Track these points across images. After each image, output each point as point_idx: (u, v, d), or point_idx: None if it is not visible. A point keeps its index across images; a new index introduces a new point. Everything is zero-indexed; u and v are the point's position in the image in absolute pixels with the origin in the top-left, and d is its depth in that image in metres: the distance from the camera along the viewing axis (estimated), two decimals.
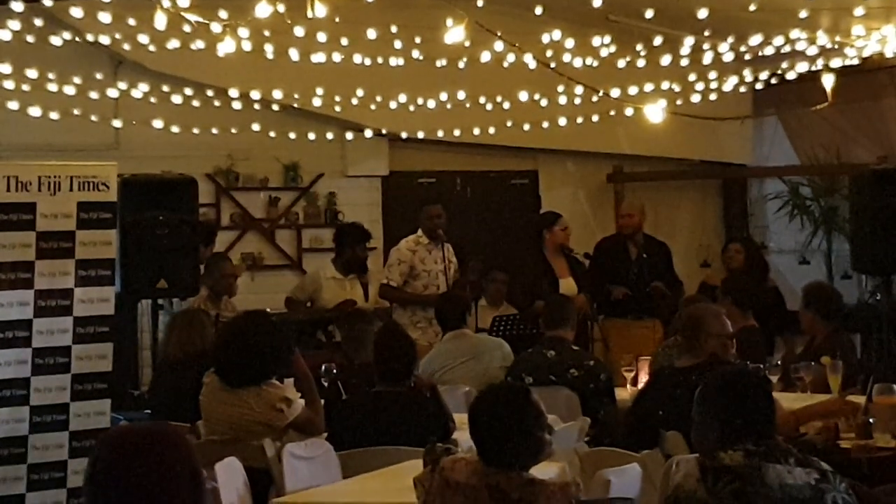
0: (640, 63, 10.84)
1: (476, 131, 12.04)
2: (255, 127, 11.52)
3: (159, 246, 9.93)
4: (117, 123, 11.40)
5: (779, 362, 8.64)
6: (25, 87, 10.35)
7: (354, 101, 11.39)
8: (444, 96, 11.36)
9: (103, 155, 11.01)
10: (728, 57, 10.76)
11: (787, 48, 10.55)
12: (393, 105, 11.40)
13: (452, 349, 9.16)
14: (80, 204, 9.87)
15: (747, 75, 11.36)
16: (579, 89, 11.45)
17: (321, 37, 9.86)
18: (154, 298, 10.34)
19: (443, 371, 8.99)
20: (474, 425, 4.91)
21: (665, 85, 11.20)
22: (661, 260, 11.51)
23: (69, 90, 10.53)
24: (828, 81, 10.64)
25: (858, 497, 4.42)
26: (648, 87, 11.11)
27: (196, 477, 3.04)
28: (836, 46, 10.57)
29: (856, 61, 10.83)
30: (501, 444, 4.83)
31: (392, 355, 7.21)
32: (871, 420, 6.86)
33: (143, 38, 9.93)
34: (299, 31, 9.53)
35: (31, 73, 10.24)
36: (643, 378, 9.01)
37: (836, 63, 10.76)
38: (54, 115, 10.57)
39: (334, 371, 8.01)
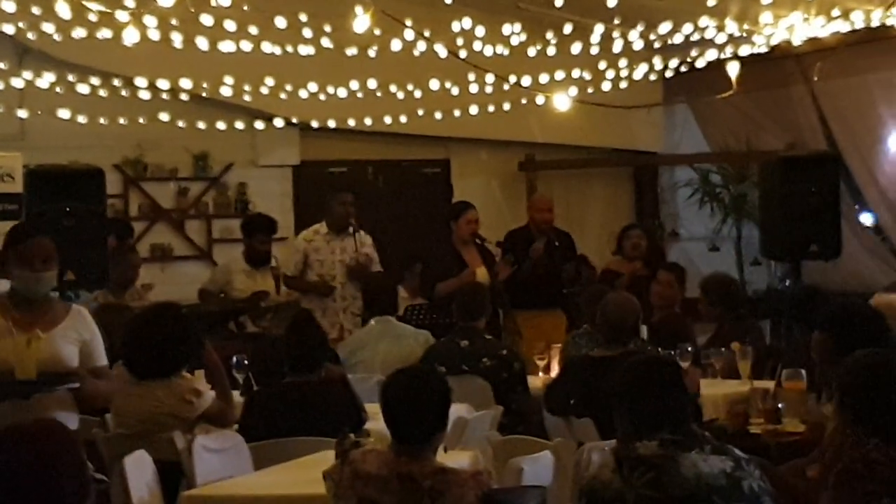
0: (551, 51, 10.86)
1: (387, 120, 12.02)
2: (164, 116, 11.41)
3: (66, 238, 9.80)
4: (22, 114, 11.26)
5: (689, 348, 8.70)
6: None
7: (264, 90, 11.32)
8: (354, 85, 11.31)
9: (8, 146, 10.86)
10: (638, 45, 10.81)
11: (697, 36, 10.61)
12: (303, 94, 11.34)
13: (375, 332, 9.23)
14: None
15: (657, 63, 11.42)
16: (490, 78, 11.45)
17: (229, 25, 9.78)
18: (61, 290, 10.21)
19: (361, 349, 9.05)
20: (386, 405, 4.92)
21: (576, 73, 11.23)
22: (567, 251, 11.49)
23: None
24: (732, 69, 10.72)
25: (766, 474, 4.45)
26: (559, 75, 11.14)
27: (82, 473, 3.01)
28: (745, 34, 10.65)
29: (764, 49, 10.91)
30: (414, 420, 4.84)
31: (303, 344, 7.20)
32: (780, 405, 6.92)
33: (48, 27, 9.80)
34: (207, 20, 9.45)
35: None
36: (555, 366, 9.05)
37: (744, 51, 10.84)
38: None
39: (245, 362, 7.99)
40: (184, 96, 11.35)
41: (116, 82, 11.16)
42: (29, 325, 6.13)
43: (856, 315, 5.74)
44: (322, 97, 11.38)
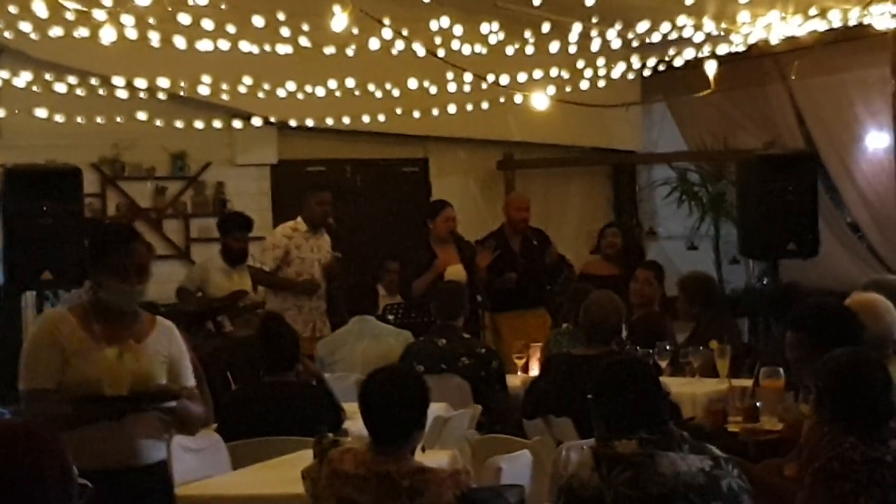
0: (529, 50, 10.85)
1: (366, 119, 11.99)
2: (141, 115, 11.36)
3: (43, 237, 9.79)
4: None
5: (668, 347, 8.71)
6: None
7: (242, 89, 11.27)
8: (333, 84, 11.28)
9: None
10: (616, 44, 10.81)
11: (674, 35, 10.62)
12: (281, 93, 11.31)
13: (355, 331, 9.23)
14: None
15: (635, 62, 11.42)
16: (468, 76, 11.44)
17: (207, 24, 9.75)
18: (38, 290, 10.19)
19: (341, 347, 9.06)
20: (364, 405, 4.92)
21: (554, 72, 11.23)
22: (543, 246, 11.49)
23: None
24: (710, 68, 10.73)
25: (744, 473, 4.46)
26: (537, 74, 11.14)
27: (66, 475, 2.99)
28: (722, 33, 10.67)
29: (741, 48, 10.93)
30: (392, 420, 4.84)
31: (277, 344, 7.19)
32: (758, 403, 6.94)
33: (24, 26, 9.76)
34: (185, 19, 9.42)
35: None
36: (534, 365, 9.05)
37: (722, 50, 10.85)
38: None
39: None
40: (161, 95, 11.31)
41: (94, 81, 11.10)
42: (114, 339, 5.30)
43: (829, 314, 5.72)
44: (300, 96, 11.36)
